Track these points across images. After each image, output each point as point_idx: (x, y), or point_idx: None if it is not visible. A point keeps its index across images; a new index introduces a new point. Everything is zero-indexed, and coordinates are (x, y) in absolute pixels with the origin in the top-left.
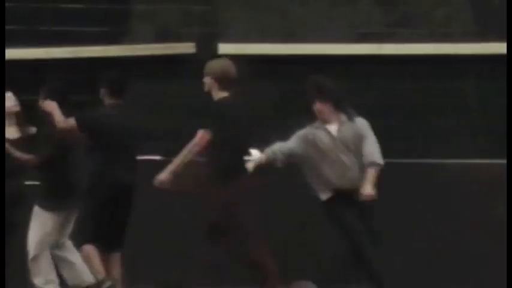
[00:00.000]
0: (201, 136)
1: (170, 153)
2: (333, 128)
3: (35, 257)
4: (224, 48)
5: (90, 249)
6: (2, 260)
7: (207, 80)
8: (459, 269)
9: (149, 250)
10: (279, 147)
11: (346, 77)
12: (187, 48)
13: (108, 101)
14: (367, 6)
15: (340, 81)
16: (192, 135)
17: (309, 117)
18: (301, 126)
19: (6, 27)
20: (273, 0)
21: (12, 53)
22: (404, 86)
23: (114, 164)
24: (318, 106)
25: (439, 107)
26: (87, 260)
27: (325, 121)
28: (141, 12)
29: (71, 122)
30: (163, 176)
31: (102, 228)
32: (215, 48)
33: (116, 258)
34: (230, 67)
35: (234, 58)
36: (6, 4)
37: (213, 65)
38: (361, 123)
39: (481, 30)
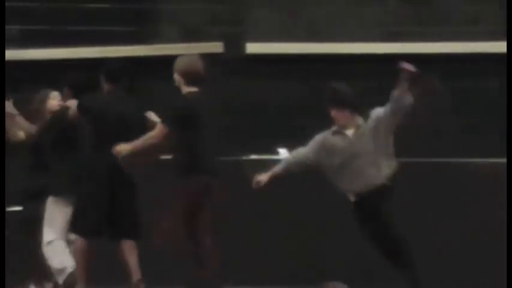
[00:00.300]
0: (159, 129)
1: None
2: (349, 133)
3: (50, 242)
4: (252, 47)
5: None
6: (2, 260)
7: (175, 76)
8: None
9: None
10: (294, 157)
11: (373, 76)
12: (215, 47)
13: (106, 87)
14: (394, 5)
15: (366, 80)
16: (216, 134)
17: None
18: (327, 125)
19: (34, 27)
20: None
21: (39, 53)
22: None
23: (108, 150)
24: (334, 113)
25: (466, 106)
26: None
27: (342, 127)
28: (169, 11)
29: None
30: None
31: (96, 217)
32: (243, 48)
33: (128, 246)
34: (196, 63)
35: (259, 57)
36: (34, 4)
37: (179, 61)
38: (375, 113)
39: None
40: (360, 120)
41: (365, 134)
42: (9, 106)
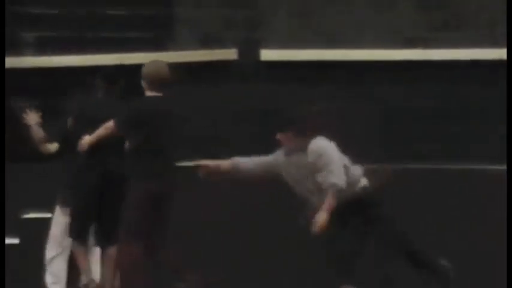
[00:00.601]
0: (109, 123)
1: (211, 157)
2: (293, 156)
3: (52, 259)
4: (266, 54)
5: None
6: (2, 260)
7: (142, 81)
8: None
9: None
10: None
11: (389, 83)
12: (229, 54)
13: (101, 92)
14: (411, 11)
15: (382, 87)
16: (232, 140)
17: (349, 123)
18: (343, 131)
19: (51, 34)
20: (315, 6)
21: (56, 60)
22: (449, 90)
23: (102, 153)
24: (279, 136)
25: (483, 112)
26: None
27: (288, 149)
28: (183, 18)
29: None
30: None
31: (86, 222)
32: (257, 54)
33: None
34: (159, 69)
35: (274, 64)
36: (53, 11)
37: (144, 68)
38: (319, 146)
39: None
40: (304, 143)
41: (303, 160)
42: (33, 118)
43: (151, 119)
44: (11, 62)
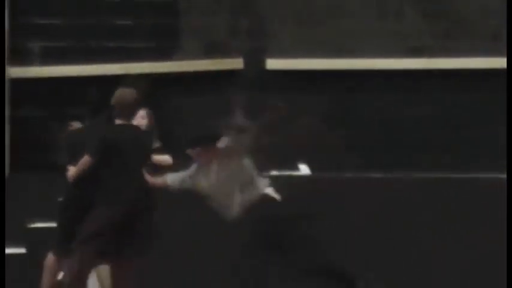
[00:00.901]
0: (83, 161)
1: None
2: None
3: None
4: (272, 63)
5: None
6: (2, 260)
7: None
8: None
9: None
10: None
11: (395, 91)
12: (235, 63)
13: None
14: (417, 20)
15: (388, 95)
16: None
17: (358, 130)
18: (350, 140)
19: (59, 44)
20: (320, 15)
21: (62, 70)
22: (454, 99)
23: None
24: (189, 152)
25: (488, 120)
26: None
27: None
28: (190, 28)
29: None
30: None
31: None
32: (263, 64)
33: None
34: (123, 96)
35: (279, 73)
36: (58, 21)
37: (114, 94)
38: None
39: None
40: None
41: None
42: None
43: (115, 146)
44: (16, 72)
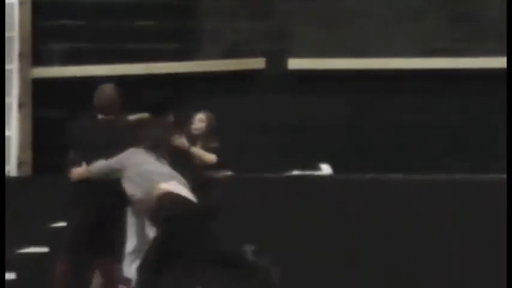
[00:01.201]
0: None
1: (238, 168)
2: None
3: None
4: (294, 63)
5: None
6: (2, 259)
7: None
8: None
9: None
10: None
11: (416, 92)
12: (257, 63)
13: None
14: (436, 21)
15: (409, 96)
16: (259, 150)
17: (379, 131)
18: (372, 140)
19: (83, 45)
20: (342, 15)
21: (86, 70)
22: (475, 101)
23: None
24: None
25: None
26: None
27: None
28: (213, 28)
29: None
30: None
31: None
32: (285, 64)
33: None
34: (102, 92)
35: (302, 73)
36: (81, 23)
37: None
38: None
39: None
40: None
41: None
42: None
43: (89, 141)
44: (39, 72)
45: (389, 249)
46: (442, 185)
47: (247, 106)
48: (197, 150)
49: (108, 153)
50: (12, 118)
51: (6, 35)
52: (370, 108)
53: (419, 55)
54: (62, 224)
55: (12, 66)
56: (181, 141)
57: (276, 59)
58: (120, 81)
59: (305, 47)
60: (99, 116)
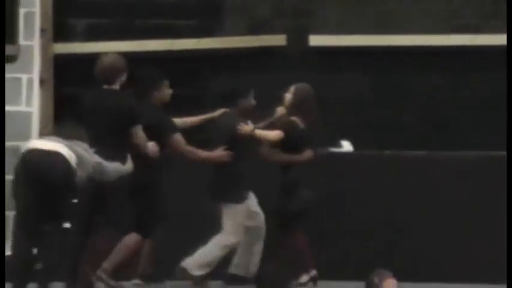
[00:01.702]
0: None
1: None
2: None
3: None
4: (315, 40)
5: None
6: (2, 258)
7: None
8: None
9: None
10: None
11: (438, 69)
12: (278, 40)
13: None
14: None
15: (431, 73)
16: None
17: (399, 108)
18: (393, 118)
19: (101, 20)
20: None
21: (106, 46)
22: (498, 77)
23: None
24: None
25: None
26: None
27: None
28: (234, 4)
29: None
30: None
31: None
32: (306, 40)
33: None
34: (101, 62)
35: (323, 49)
36: None
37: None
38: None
39: None
40: None
41: None
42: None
43: (90, 112)
44: (60, 48)
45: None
46: (465, 161)
47: (268, 83)
48: (259, 132)
49: (110, 125)
50: (34, 94)
51: (27, 10)
52: (391, 86)
53: (443, 31)
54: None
55: (33, 42)
56: (247, 128)
57: (297, 36)
58: (143, 57)
59: (327, 23)
60: (105, 87)
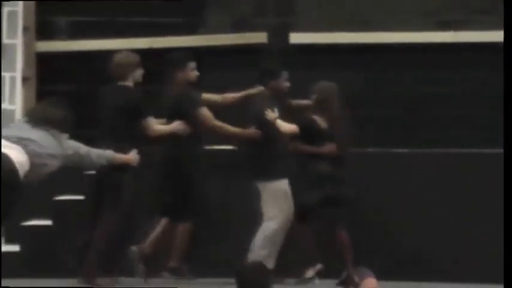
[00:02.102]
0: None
1: None
2: None
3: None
4: (295, 37)
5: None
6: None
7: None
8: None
9: None
10: None
11: (422, 66)
12: (259, 37)
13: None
14: None
15: (414, 70)
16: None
17: (384, 105)
18: (374, 116)
19: (83, 18)
20: None
21: (89, 44)
22: (481, 74)
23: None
24: None
25: None
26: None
27: None
28: (215, 2)
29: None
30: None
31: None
32: (287, 38)
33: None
34: (117, 58)
35: (304, 47)
36: None
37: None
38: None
39: None
40: None
41: None
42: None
43: (101, 106)
44: (42, 46)
45: None
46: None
47: (250, 80)
48: (279, 122)
49: (119, 119)
50: (17, 92)
51: (10, 8)
52: (372, 83)
53: (426, 28)
54: (66, 197)
55: (16, 41)
56: (271, 114)
57: (278, 34)
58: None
59: (307, 21)
60: (119, 83)
